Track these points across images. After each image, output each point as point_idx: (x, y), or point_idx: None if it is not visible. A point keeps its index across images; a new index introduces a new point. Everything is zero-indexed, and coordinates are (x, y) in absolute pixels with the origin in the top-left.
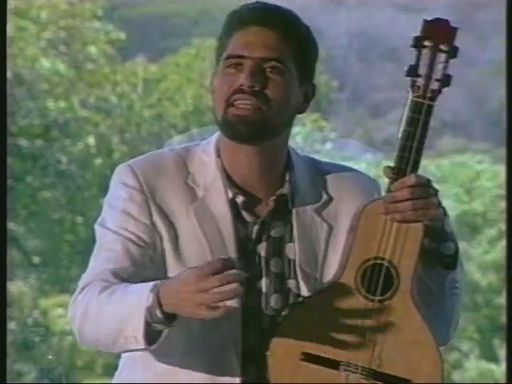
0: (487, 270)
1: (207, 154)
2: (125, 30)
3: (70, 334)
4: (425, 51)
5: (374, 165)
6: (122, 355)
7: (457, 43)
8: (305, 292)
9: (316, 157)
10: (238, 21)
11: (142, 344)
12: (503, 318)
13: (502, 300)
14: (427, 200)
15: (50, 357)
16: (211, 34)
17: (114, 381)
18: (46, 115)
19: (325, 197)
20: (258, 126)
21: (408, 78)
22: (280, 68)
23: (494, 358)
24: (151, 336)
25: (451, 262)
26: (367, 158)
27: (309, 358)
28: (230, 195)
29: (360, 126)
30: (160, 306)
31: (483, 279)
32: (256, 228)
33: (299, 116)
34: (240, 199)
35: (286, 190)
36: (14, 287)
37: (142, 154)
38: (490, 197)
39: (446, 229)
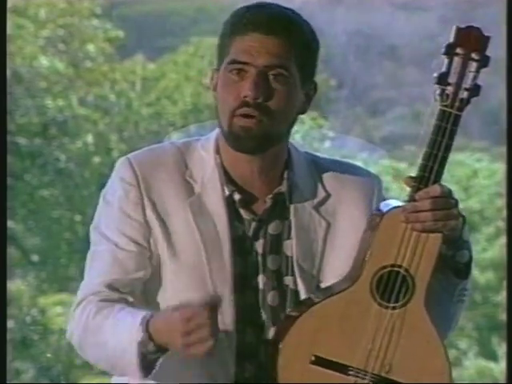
0: (485, 267)
1: (206, 150)
2: (123, 29)
3: None
4: (456, 59)
5: (373, 162)
6: None
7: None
8: (302, 289)
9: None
10: (242, 25)
11: (139, 375)
12: (501, 316)
13: (500, 298)
14: (448, 211)
15: (49, 355)
16: (210, 33)
17: (113, 379)
18: (45, 113)
19: (323, 193)
20: (260, 139)
21: (437, 86)
22: (284, 75)
23: (492, 356)
24: (148, 364)
25: (464, 269)
26: (366, 155)
27: (319, 361)
28: (227, 192)
29: (359, 124)
30: (151, 340)
31: (481, 277)
32: (253, 225)
33: None
34: (237, 196)
35: (283, 187)
36: (13, 285)
37: None
38: (488, 195)
39: (464, 237)
